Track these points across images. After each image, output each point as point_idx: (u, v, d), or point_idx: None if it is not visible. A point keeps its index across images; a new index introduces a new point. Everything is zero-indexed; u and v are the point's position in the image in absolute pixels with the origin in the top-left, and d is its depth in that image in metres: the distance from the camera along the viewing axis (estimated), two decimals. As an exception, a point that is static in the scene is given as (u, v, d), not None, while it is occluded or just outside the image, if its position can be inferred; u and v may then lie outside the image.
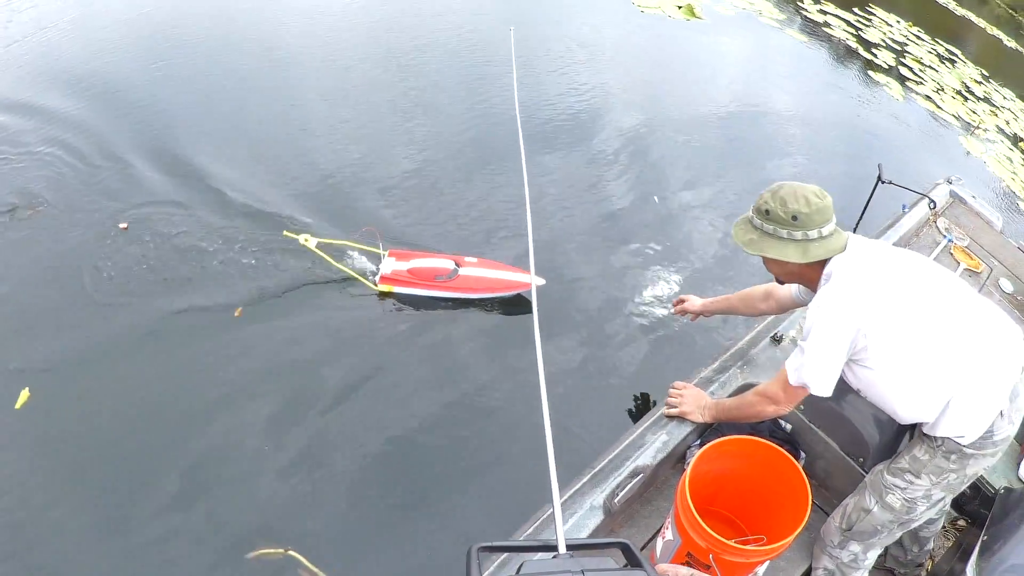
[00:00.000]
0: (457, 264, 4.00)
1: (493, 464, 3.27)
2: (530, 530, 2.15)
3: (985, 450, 2.10)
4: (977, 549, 2.45)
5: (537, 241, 4.38)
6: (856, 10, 11.65)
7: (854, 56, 9.66)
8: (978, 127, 9.17)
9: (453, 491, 3.12)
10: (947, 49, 11.79)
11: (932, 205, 4.15)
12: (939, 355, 2.03)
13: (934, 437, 2.13)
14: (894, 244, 3.72)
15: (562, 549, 1.05)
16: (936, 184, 4.52)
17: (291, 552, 2.63)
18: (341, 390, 3.41)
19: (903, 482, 2.21)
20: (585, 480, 2.34)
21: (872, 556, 2.43)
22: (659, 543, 2.34)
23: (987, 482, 3.07)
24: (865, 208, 4.28)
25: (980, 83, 11.01)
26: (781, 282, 2.35)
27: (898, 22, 12.21)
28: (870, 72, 9.27)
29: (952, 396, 2.04)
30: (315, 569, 2.58)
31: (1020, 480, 3.21)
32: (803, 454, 2.78)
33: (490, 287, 3.95)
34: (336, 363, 3.53)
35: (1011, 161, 8.56)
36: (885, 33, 11.19)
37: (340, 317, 3.78)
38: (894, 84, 9.20)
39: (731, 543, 2.03)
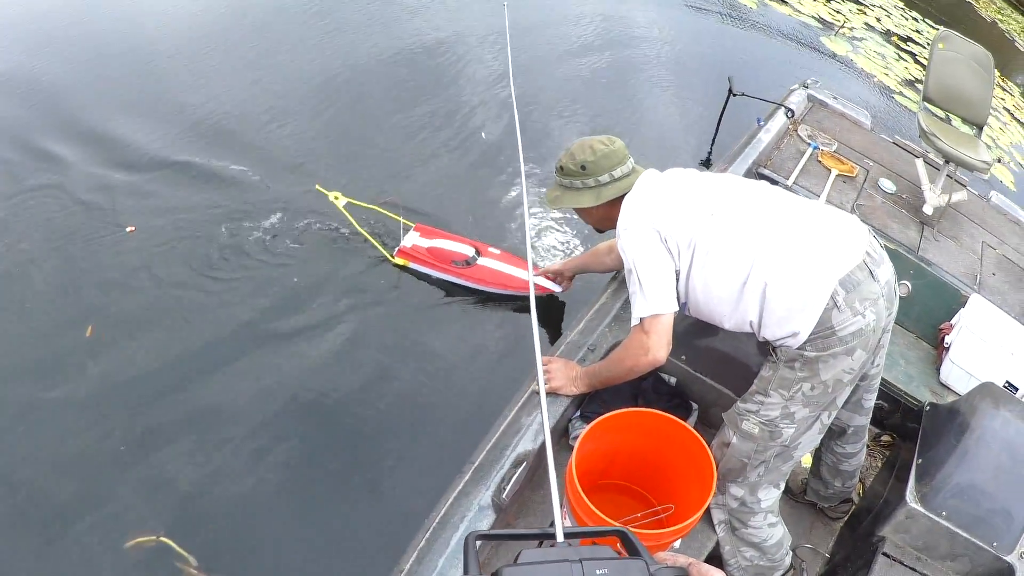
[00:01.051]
0: (478, 252, 3.74)
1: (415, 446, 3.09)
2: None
3: (832, 349, 1.97)
4: (914, 473, 2.39)
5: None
6: None
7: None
8: (842, 26, 9.01)
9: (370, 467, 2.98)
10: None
11: (790, 114, 3.90)
12: (746, 252, 2.00)
13: (771, 349, 2.09)
14: (754, 161, 3.45)
15: (560, 537, 1.07)
16: (791, 90, 4.25)
17: (163, 538, 2.63)
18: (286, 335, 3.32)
19: (754, 404, 2.13)
20: (467, 478, 2.15)
21: (766, 497, 2.28)
22: None
23: (907, 394, 3.02)
24: (718, 125, 4.03)
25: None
26: (600, 231, 2.46)
27: None
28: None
29: (766, 292, 1.98)
30: (185, 554, 2.59)
31: (942, 384, 3.14)
32: (695, 405, 2.62)
33: (504, 283, 3.66)
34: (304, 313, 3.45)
35: (883, 57, 8.46)
36: None
37: (347, 278, 3.70)
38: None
39: (630, 529, 1.75)
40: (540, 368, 1.84)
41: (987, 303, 3.31)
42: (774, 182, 3.45)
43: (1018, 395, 3.08)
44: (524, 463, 2.19)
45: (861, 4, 10.04)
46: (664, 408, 2.38)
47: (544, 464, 2.38)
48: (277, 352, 3.30)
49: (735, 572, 2.48)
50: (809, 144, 3.81)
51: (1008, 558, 2.37)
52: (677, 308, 2.10)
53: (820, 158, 3.75)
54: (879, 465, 3.18)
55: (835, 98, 4.35)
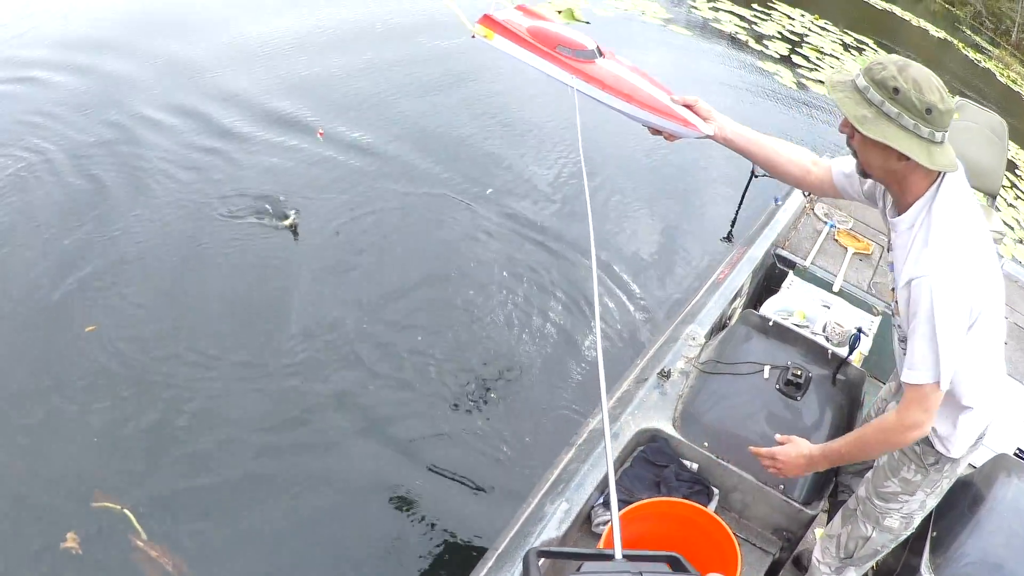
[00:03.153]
0: (600, 52, 2.42)
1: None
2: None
3: (976, 449, 2.08)
4: (928, 546, 2.39)
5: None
6: (756, 5, 11.59)
7: (742, 48, 9.63)
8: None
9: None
10: (855, 39, 11.76)
11: (807, 192, 3.95)
12: (998, 357, 1.91)
13: (925, 455, 2.05)
14: (772, 242, 3.54)
15: (619, 556, 1.11)
16: None
17: (125, 510, 2.84)
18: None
19: (897, 503, 2.16)
20: (490, 565, 2.16)
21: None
22: None
23: None
24: (739, 206, 4.12)
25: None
26: (864, 175, 1.87)
27: (802, 15, 12.13)
28: (759, 63, 9.22)
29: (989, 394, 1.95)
30: (139, 528, 2.80)
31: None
32: (716, 491, 2.61)
33: (632, 95, 2.28)
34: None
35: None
36: (783, 25, 11.16)
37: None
38: (784, 72, 9.17)
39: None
40: (605, 412, 1.49)
41: None
42: (792, 264, 3.53)
43: None
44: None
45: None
46: (685, 495, 2.44)
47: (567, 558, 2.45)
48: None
49: None
50: (826, 223, 3.88)
51: None
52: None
53: (836, 236, 3.82)
54: None
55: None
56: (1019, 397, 3.23)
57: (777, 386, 2.56)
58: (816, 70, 9.69)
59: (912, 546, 2.58)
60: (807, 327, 2.97)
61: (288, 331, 3.70)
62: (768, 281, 3.49)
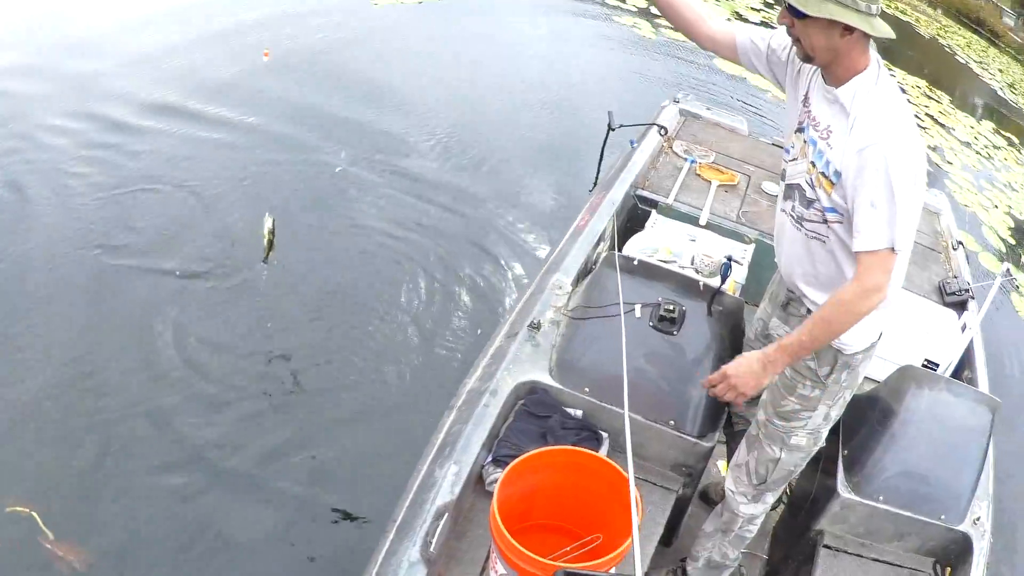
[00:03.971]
0: None
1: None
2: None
3: (870, 358, 2.08)
4: (841, 464, 2.42)
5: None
6: None
7: (597, 4, 9.74)
8: None
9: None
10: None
11: (663, 131, 3.96)
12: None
13: (820, 366, 2.06)
14: (631, 184, 3.50)
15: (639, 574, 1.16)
16: (662, 107, 4.32)
17: (32, 512, 2.88)
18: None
19: (799, 420, 2.16)
20: (392, 536, 2.15)
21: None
22: None
23: None
24: (600, 159, 4.11)
25: (759, 9, 11.55)
26: (807, 59, 1.91)
27: None
28: (614, 19, 9.33)
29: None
30: (46, 530, 2.85)
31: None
32: (604, 435, 2.58)
33: None
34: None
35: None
36: None
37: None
38: (642, 23, 9.33)
39: (563, 565, 1.85)
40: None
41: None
42: (654, 203, 3.51)
43: (939, 371, 3.14)
44: (446, 514, 2.17)
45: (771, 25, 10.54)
46: (574, 442, 2.41)
47: (463, 512, 2.42)
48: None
49: (699, 565, 2.61)
50: (686, 159, 3.87)
51: (960, 528, 2.42)
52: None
53: (699, 171, 3.81)
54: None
55: (708, 109, 4.45)
56: (924, 310, 3.32)
57: (651, 323, 2.53)
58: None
59: (824, 467, 2.60)
60: (674, 262, 2.95)
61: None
62: (632, 223, 3.45)
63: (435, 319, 4.09)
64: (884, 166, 1.75)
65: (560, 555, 2.21)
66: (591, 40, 8.51)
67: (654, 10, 9.54)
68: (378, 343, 3.89)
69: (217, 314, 3.83)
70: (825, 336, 1.92)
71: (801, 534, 2.60)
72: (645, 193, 3.55)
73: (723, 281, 2.65)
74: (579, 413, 2.61)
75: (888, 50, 12.40)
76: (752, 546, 2.83)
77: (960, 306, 3.47)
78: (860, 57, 1.85)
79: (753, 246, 3.35)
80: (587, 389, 2.51)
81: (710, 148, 4.06)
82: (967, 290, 3.53)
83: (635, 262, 2.70)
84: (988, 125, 11.92)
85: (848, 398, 2.17)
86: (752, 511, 2.42)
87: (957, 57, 16.45)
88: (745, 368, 2.00)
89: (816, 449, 2.27)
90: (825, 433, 2.22)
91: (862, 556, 2.47)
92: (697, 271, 2.92)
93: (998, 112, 13.57)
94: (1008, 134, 11.97)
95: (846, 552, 2.47)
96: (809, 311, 2.08)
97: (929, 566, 2.52)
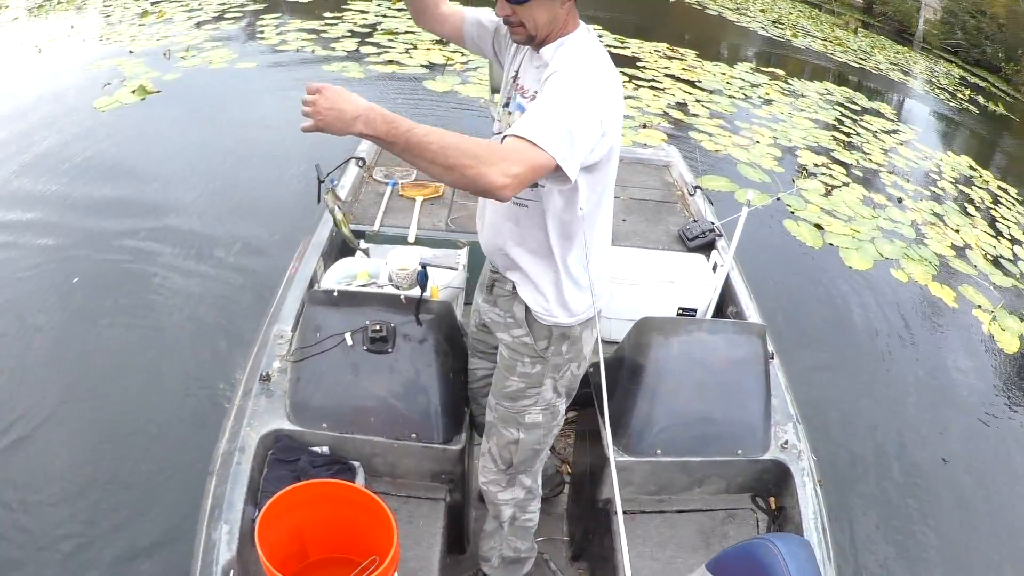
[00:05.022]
0: None
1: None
2: None
3: (595, 321, 2.10)
4: (608, 431, 2.35)
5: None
6: (328, 13, 11.83)
7: (307, 58, 9.86)
8: (450, 64, 10.01)
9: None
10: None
11: (360, 162, 4.05)
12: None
13: (537, 341, 2.08)
14: (332, 227, 3.49)
15: None
16: (360, 140, 4.41)
17: None
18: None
19: (528, 398, 2.16)
20: None
21: (539, 481, 2.44)
22: None
23: None
24: (319, 201, 4.17)
25: None
26: (530, 40, 1.89)
27: (378, 4, 12.66)
28: (323, 68, 9.45)
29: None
30: None
31: (605, 343, 3.27)
32: (356, 464, 2.60)
33: None
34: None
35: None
36: (356, 22, 11.57)
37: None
38: (351, 64, 9.55)
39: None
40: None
41: (619, 250, 3.41)
42: (363, 233, 3.56)
43: (698, 315, 3.22)
44: (232, 571, 2.14)
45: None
46: (330, 477, 2.42)
47: (247, 567, 2.32)
48: None
49: (494, 564, 2.59)
50: (387, 183, 3.97)
51: (767, 457, 2.44)
52: (570, 179, 1.69)
53: (402, 192, 3.91)
54: (572, 440, 3.29)
55: None
56: (667, 262, 3.38)
57: (364, 347, 2.57)
58: (387, 51, 10.23)
59: (591, 438, 2.63)
60: (373, 283, 3.03)
61: None
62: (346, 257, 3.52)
63: (174, 390, 4.26)
64: (555, 80, 1.73)
65: (346, 583, 2.25)
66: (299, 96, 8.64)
67: (364, 49, 9.97)
68: (127, 423, 3.99)
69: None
70: (425, 140, 1.52)
71: (592, 508, 2.61)
72: (355, 227, 3.58)
73: (423, 289, 2.66)
74: (326, 449, 2.62)
75: (641, 28, 13.31)
76: (550, 531, 2.93)
77: (707, 248, 3.52)
78: (572, 22, 1.90)
79: (467, 248, 3.43)
80: (325, 425, 2.53)
81: (408, 169, 4.12)
82: (711, 230, 3.56)
83: (335, 294, 2.73)
84: (744, 67, 12.26)
85: (578, 371, 2.20)
86: (511, 496, 2.43)
87: (708, 11, 17.25)
88: (342, 102, 1.53)
89: (557, 424, 2.29)
90: (563, 407, 2.25)
91: (664, 511, 2.46)
92: (396, 286, 2.97)
93: (764, 52, 14.21)
94: (773, 69, 12.52)
95: (643, 512, 2.46)
96: (515, 286, 2.10)
97: (748, 501, 2.51)
